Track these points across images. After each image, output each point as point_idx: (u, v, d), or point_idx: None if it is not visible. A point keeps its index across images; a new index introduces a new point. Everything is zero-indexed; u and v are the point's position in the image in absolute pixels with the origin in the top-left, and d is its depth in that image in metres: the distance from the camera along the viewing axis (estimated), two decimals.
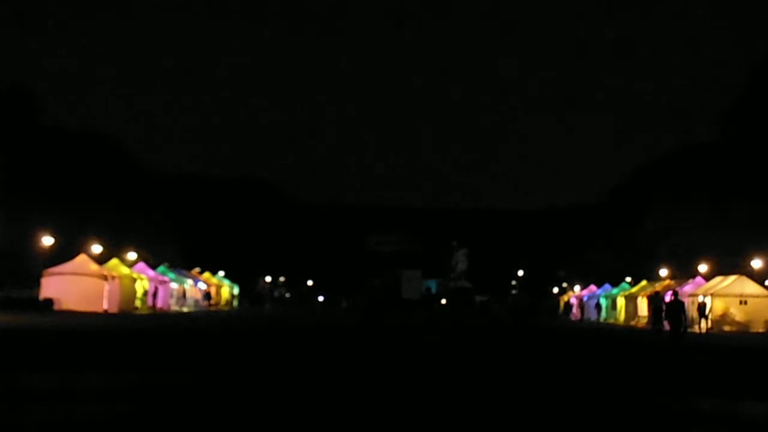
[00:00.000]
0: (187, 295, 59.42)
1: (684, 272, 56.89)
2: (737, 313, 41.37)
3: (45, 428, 8.89)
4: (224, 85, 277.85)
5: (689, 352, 23.43)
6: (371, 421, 9.64)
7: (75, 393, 11.17)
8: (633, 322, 51.50)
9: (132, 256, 57.30)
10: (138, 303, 48.31)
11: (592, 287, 68.28)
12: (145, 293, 49.99)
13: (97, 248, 52.31)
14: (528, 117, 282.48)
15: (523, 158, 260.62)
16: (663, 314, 32.61)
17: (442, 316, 63.83)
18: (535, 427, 9.65)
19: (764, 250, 49.64)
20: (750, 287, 42.86)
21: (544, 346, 25.36)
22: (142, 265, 53.12)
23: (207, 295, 64.28)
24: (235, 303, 74.95)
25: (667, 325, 26.34)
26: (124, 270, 48.04)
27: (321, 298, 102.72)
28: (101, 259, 48.76)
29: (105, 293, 43.85)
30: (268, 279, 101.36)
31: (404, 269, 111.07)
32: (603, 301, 62.20)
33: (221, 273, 78.37)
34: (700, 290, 45.18)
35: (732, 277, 44.27)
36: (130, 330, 26.73)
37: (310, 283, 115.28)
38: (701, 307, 39.21)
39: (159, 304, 51.70)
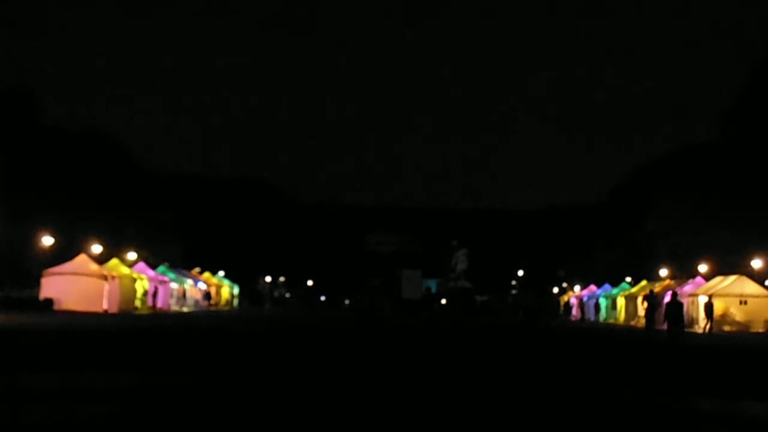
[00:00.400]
0: (187, 295, 59.39)
1: (684, 272, 56.91)
2: (737, 313, 41.34)
3: (45, 428, 8.89)
4: (224, 85, 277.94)
5: (689, 351, 23.42)
6: (370, 422, 9.64)
7: (75, 393, 11.16)
8: (633, 322, 51.46)
9: (132, 256, 57.30)
10: (138, 303, 48.29)
11: (592, 287, 68.24)
12: (145, 293, 49.98)
13: (97, 248, 52.31)
14: (528, 117, 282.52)
15: (523, 158, 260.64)
16: (656, 313, 32.84)
17: (443, 316, 63.84)
18: (535, 428, 9.65)
19: (764, 250, 49.67)
20: (750, 287, 42.85)
21: (545, 347, 25.36)
22: (142, 265, 53.10)
23: (207, 295, 64.26)
24: (235, 303, 74.94)
25: (665, 325, 26.41)
26: (124, 270, 48.03)
27: (323, 298, 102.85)
28: (101, 259, 48.75)
29: (105, 293, 43.83)
30: (268, 279, 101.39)
31: (404, 269, 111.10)
32: (603, 301, 62.18)
33: (221, 273, 78.34)
34: (700, 290, 45.16)
35: (732, 277, 44.26)
36: (130, 330, 26.72)
37: (310, 283, 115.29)
38: (708, 307, 39.21)
39: (159, 304, 51.68)
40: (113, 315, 40.41)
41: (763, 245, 50.45)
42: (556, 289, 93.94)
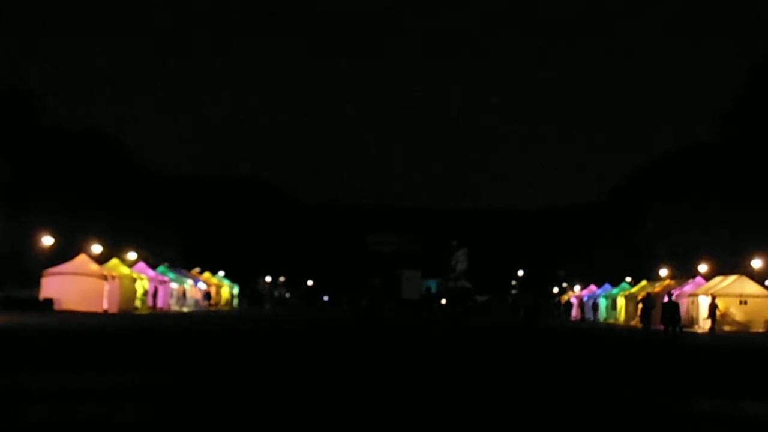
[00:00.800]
0: (187, 295, 59.40)
1: (684, 272, 56.88)
2: (737, 313, 41.34)
3: (45, 428, 8.89)
4: (224, 86, 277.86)
5: (688, 351, 23.43)
6: (370, 423, 9.64)
7: (75, 393, 11.16)
8: (633, 322, 51.45)
9: (132, 256, 57.29)
10: (138, 303, 48.29)
11: (592, 287, 68.23)
12: (145, 293, 49.98)
13: (97, 248, 52.30)
14: (528, 117, 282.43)
15: (523, 158, 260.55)
16: (652, 314, 33.23)
17: (443, 316, 63.82)
18: (535, 428, 9.65)
19: (764, 250, 49.65)
20: (750, 287, 42.85)
21: (545, 347, 25.36)
22: (142, 265, 53.10)
23: (207, 295, 64.26)
24: (235, 303, 74.93)
25: (661, 326, 26.60)
26: (124, 270, 48.03)
27: (326, 298, 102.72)
28: (101, 259, 48.74)
29: (105, 293, 43.83)
30: (268, 279, 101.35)
31: (404, 269, 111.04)
32: (603, 301, 62.17)
33: (221, 273, 78.32)
34: (701, 290, 45.15)
35: (732, 277, 44.25)
36: (130, 330, 26.72)
37: (310, 283, 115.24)
38: (712, 307, 39.24)
39: (159, 304, 51.69)
40: (113, 315, 40.41)
41: (763, 245, 50.43)
42: (556, 289, 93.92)
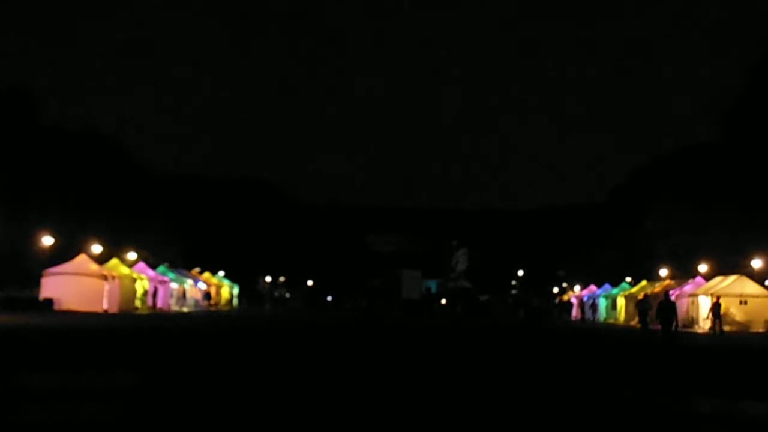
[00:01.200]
0: (187, 295, 59.39)
1: (684, 272, 56.85)
2: (737, 313, 41.32)
3: (45, 428, 8.89)
4: (224, 86, 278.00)
5: (688, 351, 23.44)
6: (371, 423, 9.64)
7: (75, 393, 11.16)
8: (633, 323, 51.46)
9: (132, 256, 57.27)
10: (138, 303, 48.30)
11: (592, 287, 68.24)
12: (145, 293, 49.98)
13: (97, 248, 52.28)
14: (528, 117, 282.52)
15: (523, 158, 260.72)
16: (648, 315, 33.53)
17: (443, 316, 63.81)
18: (535, 428, 9.65)
19: (764, 250, 49.62)
20: (750, 287, 42.83)
21: (545, 347, 25.35)
22: (142, 265, 53.10)
23: (207, 295, 64.26)
24: (235, 303, 74.93)
25: (658, 325, 26.72)
26: (124, 270, 48.03)
27: (330, 298, 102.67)
28: (101, 259, 48.73)
29: (105, 293, 43.83)
30: (268, 279, 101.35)
31: (404, 269, 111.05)
32: (603, 301, 62.17)
33: (221, 273, 78.31)
34: (701, 290, 45.13)
35: (732, 277, 44.24)
36: (130, 330, 26.72)
37: (310, 283, 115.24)
38: (716, 307, 39.28)
39: (159, 304, 51.69)
40: (113, 315, 40.40)
41: (763, 245, 50.40)
42: (556, 289, 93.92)
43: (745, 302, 41.95)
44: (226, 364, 15.96)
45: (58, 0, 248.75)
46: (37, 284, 44.11)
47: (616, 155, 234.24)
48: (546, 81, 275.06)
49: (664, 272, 60.67)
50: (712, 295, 42.60)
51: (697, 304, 44.10)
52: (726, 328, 40.32)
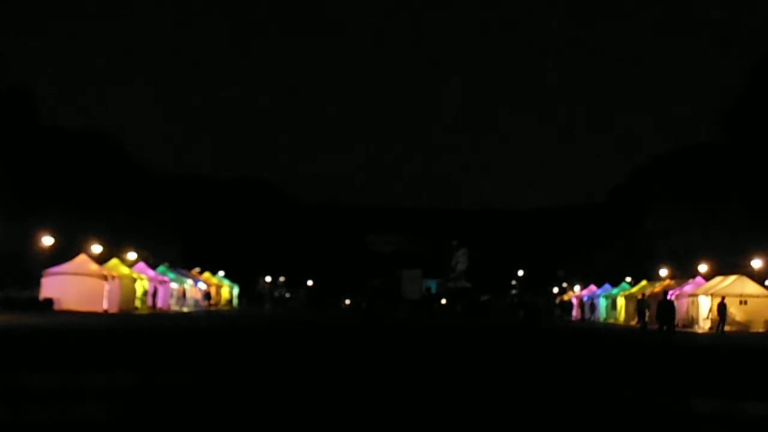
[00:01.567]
0: (187, 295, 59.40)
1: (684, 272, 56.84)
2: (737, 313, 41.32)
3: (45, 428, 8.89)
4: (224, 86, 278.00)
5: (688, 351, 23.45)
6: (371, 423, 9.64)
7: (75, 393, 11.16)
8: (633, 322, 51.47)
9: (132, 256, 57.27)
10: (138, 303, 48.31)
11: (592, 287, 68.26)
12: (145, 293, 49.99)
13: (97, 248, 52.27)
14: (528, 117, 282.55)
15: (523, 158, 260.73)
16: (646, 315, 33.74)
17: (443, 316, 63.83)
18: (535, 428, 9.66)
19: (764, 250, 49.59)
20: (750, 287, 42.84)
21: (545, 346, 25.36)
22: (142, 265, 53.10)
23: (207, 295, 64.27)
24: (235, 303, 74.95)
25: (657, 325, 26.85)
26: (124, 270, 48.04)
27: (332, 298, 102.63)
28: (101, 259, 48.73)
29: (105, 293, 43.84)
30: (268, 279, 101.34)
31: (404, 269, 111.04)
32: (603, 301, 62.19)
33: (221, 273, 78.32)
34: (700, 290, 45.13)
35: (732, 277, 44.24)
36: (130, 330, 26.72)
37: (310, 283, 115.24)
38: (721, 307, 39.34)
39: (159, 304, 51.70)
40: (113, 315, 40.41)
41: (763, 245, 50.37)
42: (556, 289, 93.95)
43: (745, 302, 41.97)
44: (226, 364, 15.96)
45: (58, 0, 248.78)
46: (37, 284, 44.10)
47: (616, 155, 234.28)
48: (546, 81, 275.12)
49: (664, 272, 60.66)
50: (713, 295, 42.61)
51: (697, 304, 44.10)
52: (726, 328, 40.34)
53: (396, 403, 11.11)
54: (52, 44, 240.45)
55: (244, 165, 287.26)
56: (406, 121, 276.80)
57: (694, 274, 52.34)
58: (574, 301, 71.36)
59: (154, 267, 54.97)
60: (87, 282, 43.77)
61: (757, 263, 48.14)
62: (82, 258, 45.50)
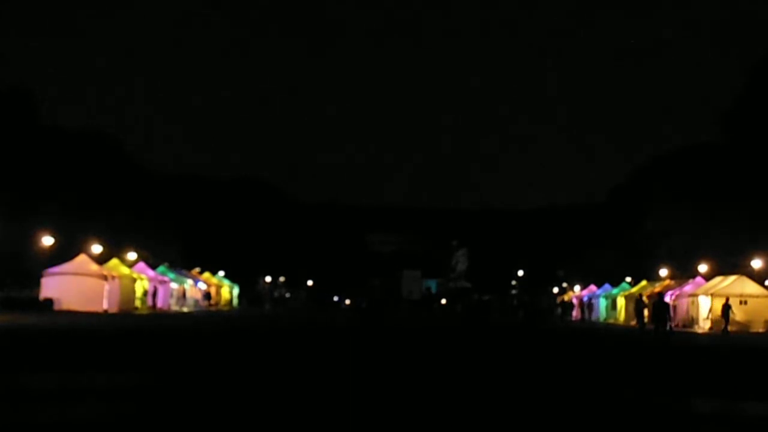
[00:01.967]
0: (187, 295, 59.41)
1: (684, 272, 56.86)
2: (737, 313, 41.30)
3: (45, 428, 8.89)
4: (224, 86, 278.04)
5: (688, 351, 23.45)
6: (372, 423, 9.64)
7: (75, 393, 11.16)
8: (633, 323, 51.47)
9: (132, 256, 57.29)
10: (138, 303, 48.31)
11: (592, 287, 68.27)
12: (145, 293, 49.99)
13: (97, 248, 52.29)
14: (528, 117, 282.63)
15: (523, 158, 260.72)
16: (644, 315, 33.91)
17: (443, 316, 63.80)
18: (535, 428, 9.66)
19: (764, 250, 49.61)
20: (750, 287, 42.84)
21: (546, 346, 25.37)
22: (142, 265, 53.11)
23: (207, 295, 64.28)
24: (235, 303, 74.97)
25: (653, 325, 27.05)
26: (124, 270, 48.04)
27: (336, 299, 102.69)
28: (101, 259, 48.74)
29: (105, 293, 43.84)
30: (268, 279, 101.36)
31: (404, 269, 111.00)
32: (603, 301, 62.20)
33: (221, 273, 78.34)
34: (700, 290, 45.13)
35: (732, 277, 44.24)
36: (130, 330, 26.72)
37: (310, 283, 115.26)
38: (725, 308, 39.36)
39: (159, 304, 51.70)
40: (113, 315, 40.41)
41: (763, 245, 50.38)
42: (556, 289, 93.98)
43: (745, 302, 41.96)
44: (227, 364, 15.96)
45: (58, 0, 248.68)
46: (37, 284, 44.11)
47: (616, 155, 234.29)
48: (546, 81, 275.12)
49: (664, 272, 60.68)
50: (713, 295, 42.61)
51: (697, 304, 44.11)
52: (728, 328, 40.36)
53: (396, 403, 11.11)
54: (52, 44, 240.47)
55: (244, 165, 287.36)
56: (406, 121, 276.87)
57: (694, 274, 52.34)
58: (574, 301, 71.38)
59: (154, 267, 54.98)
60: (87, 282, 43.77)
61: (757, 263, 48.15)
62: (82, 258, 45.50)
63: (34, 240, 51.07)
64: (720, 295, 42.00)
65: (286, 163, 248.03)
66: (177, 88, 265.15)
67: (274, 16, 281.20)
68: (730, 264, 51.74)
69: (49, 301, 42.16)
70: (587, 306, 63.68)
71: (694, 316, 44.29)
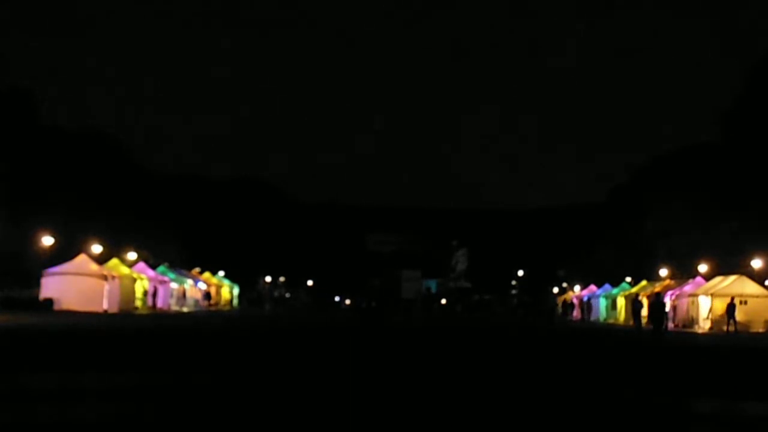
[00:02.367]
0: (187, 295, 59.40)
1: (684, 272, 56.85)
2: (737, 313, 41.34)
3: (45, 428, 8.89)
4: (224, 85, 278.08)
5: (687, 351, 23.44)
6: (370, 425, 9.64)
7: (75, 393, 11.16)
8: (632, 323, 51.43)
9: (132, 256, 57.29)
10: (138, 303, 48.30)
11: (592, 287, 68.27)
12: (145, 293, 49.98)
13: (97, 248, 52.29)
14: (528, 116, 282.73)
15: (523, 158, 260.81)
16: (640, 315, 34.14)
17: (443, 316, 63.80)
18: (535, 428, 9.65)
19: (764, 250, 49.59)
20: (750, 287, 42.82)
21: (546, 346, 25.36)
22: (142, 265, 53.10)
23: (207, 295, 64.26)
24: (235, 303, 74.95)
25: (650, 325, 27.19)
26: (124, 270, 48.03)
27: (337, 299, 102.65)
28: (101, 259, 48.73)
29: (105, 293, 43.83)
30: (268, 279, 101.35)
31: (404, 269, 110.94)
32: (603, 301, 62.19)
33: (221, 273, 78.33)
34: (700, 290, 45.12)
35: (732, 277, 44.23)
36: (130, 330, 26.71)
37: (310, 283, 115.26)
38: (730, 308, 39.34)
39: (159, 304, 51.69)
40: (113, 315, 40.40)
41: (763, 245, 50.36)
42: (556, 289, 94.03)
43: (745, 302, 41.94)
44: (227, 364, 15.95)
45: (58, 0, 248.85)
46: (37, 284, 44.09)
47: (616, 155, 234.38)
48: (546, 81, 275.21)
49: (664, 272, 60.67)
50: (713, 295, 42.60)
51: (697, 304, 44.09)
52: (725, 328, 40.37)
53: (396, 403, 11.11)
54: (52, 44, 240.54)
55: (244, 165, 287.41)
56: (406, 121, 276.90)
57: (694, 274, 52.33)
58: (575, 301, 71.42)
59: (154, 267, 54.97)
60: (87, 282, 43.76)
61: (757, 263, 48.14)
62: (82, 258, 45.49)
63: (34, 240, 51.07)
64: (720, 295, 42.00)
65: (286, 163, 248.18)
66: (178, 89, 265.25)
67: (274, 16, 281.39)
68: (730, 264, 51.73)
69: (49, 301, 42.15)
70: (587, 306, 63.75)
71: (694, 316, 44.27)
